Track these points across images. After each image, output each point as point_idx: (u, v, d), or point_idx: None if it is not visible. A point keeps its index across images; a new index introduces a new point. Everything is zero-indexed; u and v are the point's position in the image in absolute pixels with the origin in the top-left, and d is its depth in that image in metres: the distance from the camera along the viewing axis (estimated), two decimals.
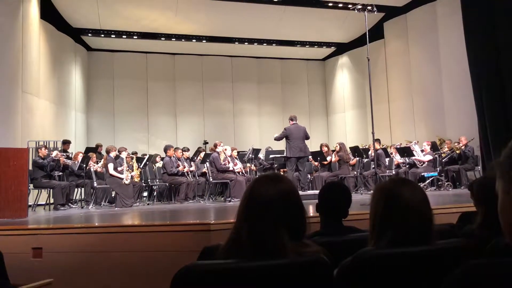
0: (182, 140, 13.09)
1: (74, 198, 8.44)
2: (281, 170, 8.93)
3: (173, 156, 8.54)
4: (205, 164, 8.60)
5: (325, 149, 9.47)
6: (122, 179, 7.53)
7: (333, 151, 9.47)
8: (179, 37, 12.85)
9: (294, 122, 7.99)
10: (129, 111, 13.34)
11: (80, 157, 8.16)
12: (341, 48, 14.48)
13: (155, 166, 9.76)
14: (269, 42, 13.64)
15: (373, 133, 6.34)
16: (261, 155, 9.86)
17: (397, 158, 9.33)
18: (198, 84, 14.18)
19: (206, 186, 8.74)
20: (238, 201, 1.45)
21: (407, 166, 9.04)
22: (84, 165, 8.05)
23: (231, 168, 8.36)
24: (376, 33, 11.92)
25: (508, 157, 0.77)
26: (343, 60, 14.60)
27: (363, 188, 8.78)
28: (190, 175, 8.71)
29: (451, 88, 10.23)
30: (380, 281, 1.28)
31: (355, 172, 9.27)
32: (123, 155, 7.97)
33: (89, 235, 3.68)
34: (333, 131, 15.00)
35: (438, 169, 8.55)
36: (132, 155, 8.95)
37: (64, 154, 8.24)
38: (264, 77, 14.87)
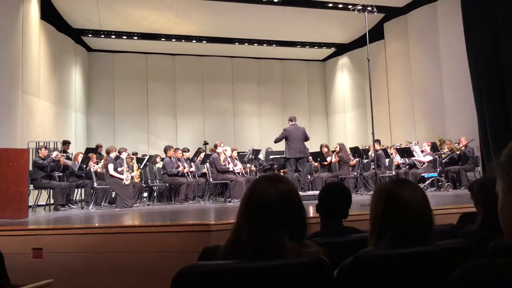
0: (182, 140, 13.09)
1: (74, 198, 8.44)
2: (281, 170, 8.93)
3: (173, 157, 8.54)
4: (205, 165, 8.60)
5: (325, 149, 9.47)
6: (122, 179, 7.53)
7: (333, 151, 9.47)
8: (179, 37, 12.86)
9: (293, 123, 7.98)
10: (129, 111, 13.35)
11: (80, 158, 8.17)
12: (341, 49, 14.49)
13: (155, 166, 9.77)
14: (269, 42, 13.65)
15: (373, 133, 6.34)
16: (261, 156, 9.86)
17: (397, 159, 9.33)
18: (198, 84, 14.19)
19: (206, 186, 8.74)
20: (238, 202, 1.45)
21: (407, 166, 9.04)
22: (84, 166, 8.05)
23: (231, 169, 8.36)
24: (376, 33, 11.92)
25: (508, 157, 0.77)
26: (343, 60, 14.60)
27: (363, 188, 8.78)
28: (190, 176, 8.71)
29: (451, 89, 10.23)
30: (380, 282, 1.28)
31: (355, 173, 9.27)
32: (123, 155, 7.97)
33: (89, 235, 3.68)
34: (333, 131, 15.00)
35: (438, 169, 8.55)
36: (132, 156, 8.95)
37: (64, 154, 8.24)
38: (264, 78, 14.88)
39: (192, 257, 1.46)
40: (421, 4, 11.15)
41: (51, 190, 7.47)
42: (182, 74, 14.03)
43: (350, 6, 7.11)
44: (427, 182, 8.32)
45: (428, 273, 1.28)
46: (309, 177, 9.17)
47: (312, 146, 11.19)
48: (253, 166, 9.32)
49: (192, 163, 9.06)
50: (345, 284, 1.31)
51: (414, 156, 8.79)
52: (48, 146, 8.57)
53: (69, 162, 8.10)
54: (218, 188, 8.94)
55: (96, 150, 9.74)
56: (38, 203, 7.79)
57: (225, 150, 8.63)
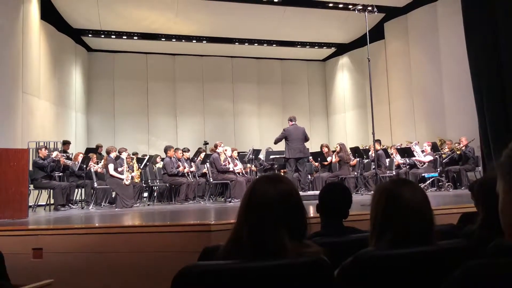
0: (182, 140, 13.09)
1: (74, 198, 8.44)
2: (282, 170, 8.93)
3: (174, 157, 8.54)
4: (205, 165, 8.61)
5: (325, 149, 9.47)
6: (123, 179, 7.53)
7: (333, 151, 9.47)
8: (179, 37, 12.86)
9: (293, 123, 7.97)
10: (129, 111, 13.35)
11: (80, 158, 8.17)
12: (341, 49, 14.49)
13: (155, 166, 9.77)
14: (269, 42, 13.65)
15: (373, 133, 6.34)
16: (262, 156, 9.86)
17: (398, 159, 9.33)
18: (198, 84, 14.19)
19: (207, 186, 8.74)
20: (239, 202, 1.45)
21: (408, 166, 9.03)
22: (85, 166, 8.05)
23: (231, 169, 8.36)
24: (377, 33, 11.92)
25: (508, 157, 0.77)
26: (344, 60, 14.60)
27: (363, 188, 8.78)
28: (190, 176, 8.71)
29: (451, 89, 10.22)
30: (381, 282, 1.28)
31: (356, 173, 9.27)
32: (124, 155, 7.97)
33: (89, 235, 3.68)
34: (334, 131, 15.00)
35: (438, 169, 8.55)
36: (133, 156, 8.96)
37: (64, 154, 8.25)
38: (264, 78, 14.88)
39: (192, 257, 1.46)
40: (421, 4, 11.15)
41: (51, 190, 7.47)
42: (182, 74, 14.03)
43: (350, 6, 7.11)
44: (428, 182, 8.31)
45: (428, 273, 1.28)
46: (309, 177, 9.17)
47: (313, 146, 11.18)
48: (253, 166, 9.32)
49: (192, 163, 9.06)
50: (346, 284, 1.31)
51: (414, 156, 8.79)
52: (48, 146, 8.58)
53: (69, 162, 8.10)
54: (218, 188, 8.94)
55: (96, 150, 9.74)
56: (38, 203, 7.79)
57: (225, 150, 8.63)
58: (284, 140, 7.89)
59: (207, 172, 8.44)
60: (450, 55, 10.15)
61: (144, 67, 13.72)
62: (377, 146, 8.10)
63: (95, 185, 7.83)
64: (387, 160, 9.09)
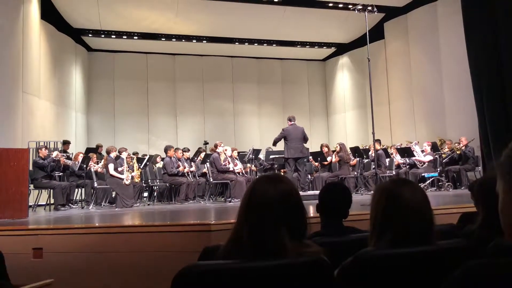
0: (182, 140, 13.10)
1: (74, 198, 8.44)
2: (282, 170, 8.93)
3: (174, 157, 8.54)
4: (205, 165, 8.61)
5: (325, 149, 9.47)
6: (123, 179, 7.53)
7: (333, 151, 9.47)
8: (179, 37, 12.86)
9: (292, 122, 7.96)
10: (129, 111, 13.35)
11: (80, 158, 8.17)
12: (341, 49, 14.49)
13: (156, 166, 9.77)
14: (269, 42, 13.65)
15: (373, 133, 6.34)
16: (262, 156, 9.86)
17: (398, 159, 9.33)
18: (199, 84, 14.19)
19: (207, 186, 8.74)
20: (239, 202, 1.45)
21: (408, 166, 9.03)
22: (85, 166, 8.05)
23: (231, 169, 8.36)
24: (377, 33, 11.92)
25: (508, 157, 0.77)
26: (344, 60, 14.60)
27: (363, 188, 8.78)
28: (190, 176, 8.71)
29: (451, 89, 10.22)
30: (381, 282, 1.28)
31: (356, 173, 9.27)
32: (124, 155, 7.97)
33: (89, 235, 3.68)
34: (334, 131, 15.00)
35: (438, 169, 8.55)
36: (133, 156, 8.96)
37: (65, 154, 8.25)
38: (264, 78, 14.88)
39: (192, 257, 1.46)
40: (421, 4, 11.15)
41: (52, 190, 7.47)
42: (182, 74, 14.03)
43: (350, 6, 7.11)
44: (428, 182, 8.31)
45: (428, 273, 1.28)
46: (309, 177, 9.17)
47: (313, 146, 11.19)
48: (253, 166, 9.32)
49: (192, 163, 9.06)
50: (346, 284, 1.31)
51: (414, 156, 8.79)
52: (48, 146, 8.57)
53: (69, 162, 8.10)
54: (218, 188, 8.94)
55: (96, 150, 9.75)
56: (38, 203, 7.79)
57: (225, 150, 8.63)
58: (283, 140, 7.89)
59: (207, 172, 8.44)
60: (450, 55, 10.14)
61: (144, 67, 13.73)
62: (377, 146, 8.10)
63: (95, 185, 7.83)
64: (387, 160, 9.09)
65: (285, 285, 1.18)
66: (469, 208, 3.15)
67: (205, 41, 13.18)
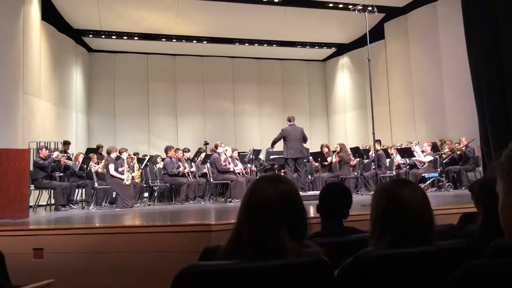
0: (182, 141, 13.10)
1: (75, 198, 8.45)
2: (282, 170, 8.93)
3: (174, 157, 8.54)
4: (205, 165, 8.61)
5: (325, 149, 9.47)
6: (123, 179, 7.53)
7: (333, 151, 9.47)
8: (179, 38, 12.87)
9: (291, 123, 7.95)
10: (129, 112, 13.36)
11: (81, 158, 8.18)
12: (341, 49, 14.49)
13: (156, 167, 9.77)
14: (270, 42, 13.65)
15: (373, 133, 6.34)
16: (262, 156, 9.86)
17: (398, 159, 9.32)
18: (199, 85, 14.20)
19: (207, 186, 8.75)
20: (239, 202, 1.46)
21: (408, 167, 9.03)
22: (85, 166, 8.06)
23: (231, 169, 8.36)
24: (377, 33, 11.92)
25: (508, 157, 0.77)
26: (344, 60, 14.60)
27: (363, 189, 8.78)
28: (190, 176, 8.72)
29: (451, 89, 10.22)
30: (381, 282, 1.28)
31: (356, 173, 9.27)
32: (124, 156, 7.98)
33: (90, 235, 3.68)
34: (334, 131, 15.00)
35: (438, 169, 8.54)
36: (133, 156, 8.96)
37: (65, 155, 8.26)
38: (264, 78, 14.88)
39: (192, 257, 1.46)
40: (422, 4, 11.14)
41: (52, 190, 7.48)
42: (182, 74, 14.04)
43: (350, 6, 7.10)
44: (428, 182, 8.31)
45: (428, 273, 1.28)
46: (309, 177, 9.16)
47: (313, 146, 11.19)
48: (253, 166, 9.32)
49: (192, 163, 9.07)
50: (346, 284, 1.31)
51: (414, 156, 8.79)
52: (48, 147, 8.58)
53: (69, 162, 8.11)
54: (219, 188, 8.94)
55: (97, 150, 9.75)
56: (39, 203, 7.80)
57: (226, 150, 8.63)
58: (282, 140, 7.88)
59: (207, 172, 8.45)
60: (450, 55, 10.14)
61: (145, 67, 13.73)
62: (377, 146, 8.10)
63: (96, 185, 7.84)
64: (387, 160, 9.09)
65: (285, 285, 1.19)
66: (469, 209, 3.15)
67: (205, 42, 13.18)
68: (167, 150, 8.56)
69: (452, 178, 8.73)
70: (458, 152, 8.86)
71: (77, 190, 8.43)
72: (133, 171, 7.98)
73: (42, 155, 7.50)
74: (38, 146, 8.26)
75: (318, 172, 9.53)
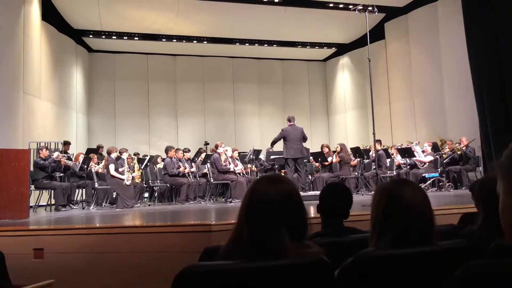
0: (183, 141, 13.10)
1: (75, 199, 8.45)
2: (282, 171, 8.93)
3: (174, 157, 8.54)
4: (206, 165, 8.61)
5: (326, 150, 9.47)
6: (123, 180, 7.53)
7: (334, 152, 9.47)
8: (180, 38, 12.87)
9: (291, 123, 7.95)
10: (130, 112, 13.36)
11: (81, 158, 8.18)
12: (341, 49, 14.49)
13: (156, 167, 9.77)
14: (270, 43, 13.65)
15: (374, 133, 6.34)
16: (262, 156, 9.86)
17: (398, 159, 9.32)
18: (199, 85, 14.20)
19: (207, 187, 8.75)
20: (239, 202, 1.46)
21: (408, 167, 9.03)
22: (85, 166, 8.06)
23: (232, 169, 8.36)
24: (377, 33, 11.92)
25: (508, 157, 0.77)
26: (344, 60, 14.60)
27: (364, 189, 8.78)
28: (191, 176, 8.72)
29: (452, 89, 10.22)
30: (381, 282, 1.28)
31: (356, 173, 9.27)
32: (124, 156, 7.98)
33: (90, 236, 3.68)
34: (334, 132, 15.00)
35: (439, 170, 8.54)
36: (134, 156, 8.96)
37: (65, 155, 8.26)
38: (264, 78, 14.88)
39: (193, 257, 1.46)
40: (422, 4, 11.14)
41: (52, 191, 7.48)
42: (183, 74, 14.04)
43: (350, 6, 7.11)
44: (428, 182, 8.31)
45: (429, 273, 1.28)
46: (310, 177, 9.16)
47: (313, 146, 11.19)
48: (254, 166, 9.32)
49: (193, 164, 9.07)
50: (346, 284, 1.31)
51: (415, 156, 8.78)
52: (49, 147, 8.58)
53: (70, 163, 8.11)
54: (219, 188, 8.94)
55: (97, 150, 9.75)
56: (39, 204, 7.80)
57: (226, 150, 8.63)
58: (282, 140, 7.88)
59: (207, 172, 8.45)
60: (450, 55, 10.14)
61: (145, 67, 13.74)
62: (378, 146, 8.09)
63: (96, 185, 7.84)
64: (388, 160, 9.08)
65: (285, 285, 1.18)
66: (469, 209, 3.15)
67: (205, 42, 13.18)
68: (167, 150, 8.56)
69: (453, 178, 8.73)
70: (458, 152, 8.85)
71: (77, 190, 8.43)
72: (134, 171, 7.99)
73: (43, 155, 7.50)
74: (38, 146, 8.26)
75: (318, 172, 9.53)
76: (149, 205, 8.48)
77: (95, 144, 11.05)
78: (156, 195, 9.10)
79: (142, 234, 3.61)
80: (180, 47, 13.52)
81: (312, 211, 3.71)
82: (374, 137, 6.44)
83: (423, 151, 8.82)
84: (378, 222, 1.37)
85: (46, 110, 10.01)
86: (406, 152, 8.86)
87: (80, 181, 8.17)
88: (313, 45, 14.14)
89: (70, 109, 11.64)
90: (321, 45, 14.29)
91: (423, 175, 8.44)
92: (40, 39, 9.75)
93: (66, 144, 9.09)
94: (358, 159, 9.31)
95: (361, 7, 6.38)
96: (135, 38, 12.62)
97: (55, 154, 7.72)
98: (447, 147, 9.29)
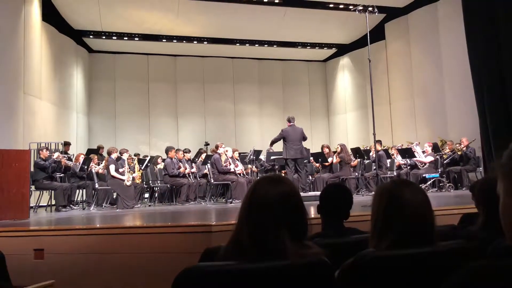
0: (183, 141, 13.10)
1: (75, 199, 8.45)
2: (282, 171, 8.93)
3: (175, 158, 8.54)
4: (206, 166, 8.61)
5: (326, 150, 9.47)
6: (124, 180, 7.53)
7: (334, 152, 9.46)
8: (180, 38, 12.87)
9: (291, 123, 7.95)
10: (130, 112, 13.36)
11: (81, 159, 8.18)
12: (342, 49, 14.49)
13: (157, 167, 9.77)
14: (270, 43, 13.65)
15: (374, 134, 6.34)
16: (262, 157, 9.86)
17: (399, 159, 9.32)
18: (199, 85, 14.20)
19: (207, 187, 8.75)
20: (239, 203, 1.46)
21: (409, 167, 9.03)
22: (86, 167, 8.06)
23: (232, 170, 8.36)
24: (377, 34, 11.92)
25: (509, 158, 0.77)
26: (344, 61, 14.60)
27: (364, 189, 8.78)
28: (191, 177, 8.72)
29: (452, 89, 10.22)
30: (381, 283, 1.28)
31: (357, 174, 9.26)
32: (125, 156, 7.98)
33: (90, 236, 3.68)
34: (334, 132, 14.99)
35: (439, 170, 8.54)
36: (134, 157, 8.96)
37: (66, 155, 8.26)
38: (265, 78, 14.88)
39: (193, 258, 1.46)
40: (422, 5, 11.14)
41: (53, 191, 7.48)
42: (183, 75, 14.04)
43: (351, 7, 7.12)
44: (429, 182, 8.30)
45: (429, 274, 1.28)
46: (310, 177, 9.15)
47: (313, 146, 11.19)
48: (254, 167, 9.32)
49: (193, 164, 9.07)
50: (346, 285, 1.31)
51: (415, 157, 8.78)
52: (49, 147, 8.59)
53: (70, 163, 8.11)
54: (219, 189, 8.94)
55: (97, 151, 9.75)
56: (40, 204, 7.80)
57: (226, 151, 8.63)
58: (282, 140, 7.88)
59: (208, 173, 8.45)
60: (451, 55, 10.14)
61: (145, 68, 13.74)
62: (378, 147, 8.09)
63: (96, 186, 7.84)
64: (388, 160, 9.08)
65: (286, 286, 1.18)
66: (470, 209, 3.15)
67: (206, 42, 13.18)
68: (167, 150, 8.56)
69: (453, 178, 8.73)
70: (459, 153, 8.85)
71: (77, 191, 8.43)
72: (134, 172, 7.99)
73: (43, 156, 7.51)
74: (39, 146, 8.26)
75: (318, 172, 9.52)
76: (149, 205, 8.48)
77: (96, 144, 11.05)
78: (156, 195, 9.10)
79: (142, 234, 3.61)
80: (181, 48, 13.52)
81: (313, 212, 3.71)
82: (375, 137, 6.44)
83: (423, 152, 8.82)
84: (378, 223, 1.37)
85: (46, 110, 10.01)
86: (407, 153, 8.85)
87: (80, 182, 8.17)
88: (313, 45, 14.14)
89: (71, 110, 11.64)
90: (321, 45, 14.29)
91: (424, 175, 8.43)
92: (41, 40, 9.76)
93: (67, 144, 9.09)
94: (359, 159, 9.31)
95: (361, 8, 6.38)
96: (136, 39, 12.63)
97: (56, 155, 7.72)
98: (447, 148, 9.28)
